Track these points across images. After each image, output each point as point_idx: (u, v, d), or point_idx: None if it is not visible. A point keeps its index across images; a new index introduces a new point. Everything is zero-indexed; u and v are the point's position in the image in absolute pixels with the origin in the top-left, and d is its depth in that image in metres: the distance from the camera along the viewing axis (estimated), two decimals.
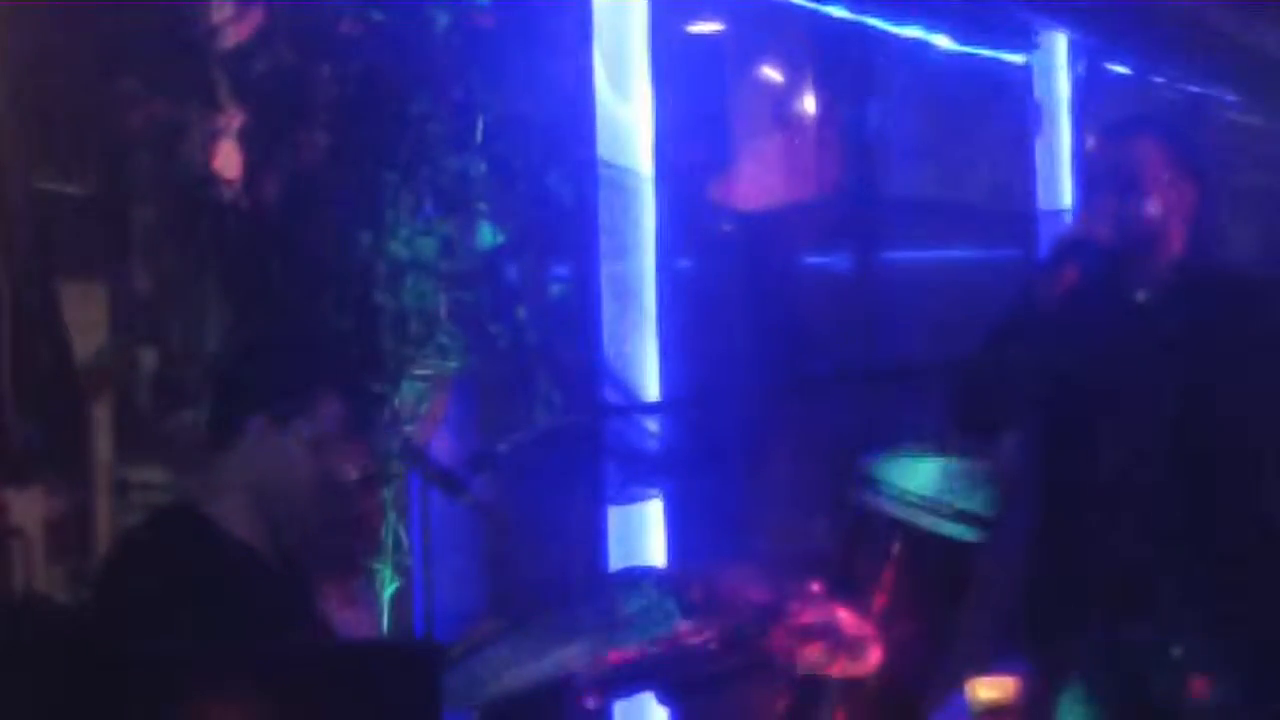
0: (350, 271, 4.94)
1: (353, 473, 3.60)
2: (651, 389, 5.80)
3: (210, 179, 4.87)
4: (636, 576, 4.11)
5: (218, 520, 3.52)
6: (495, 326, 5.22)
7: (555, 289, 5.43)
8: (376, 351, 4.97)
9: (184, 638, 3.29)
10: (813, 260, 8.04)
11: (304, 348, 3.88)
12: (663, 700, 3.75)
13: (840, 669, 3.54)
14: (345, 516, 4.11)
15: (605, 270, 5.69)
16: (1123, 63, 9.35)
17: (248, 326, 4.74)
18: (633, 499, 5.68)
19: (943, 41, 7.94)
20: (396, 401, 5.02)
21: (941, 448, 3.85)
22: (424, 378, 5.09)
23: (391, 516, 5.02)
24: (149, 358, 4.77)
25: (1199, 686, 4.10)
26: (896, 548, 3.75)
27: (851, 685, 3.59)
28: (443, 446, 5.11)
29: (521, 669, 3.44)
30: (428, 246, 5.05)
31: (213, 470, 3.56)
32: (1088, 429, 4.21)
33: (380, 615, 4.98)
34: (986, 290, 7.58)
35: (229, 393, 3.61)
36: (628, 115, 5.76)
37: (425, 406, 5.09)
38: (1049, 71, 8.74)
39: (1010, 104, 8.64)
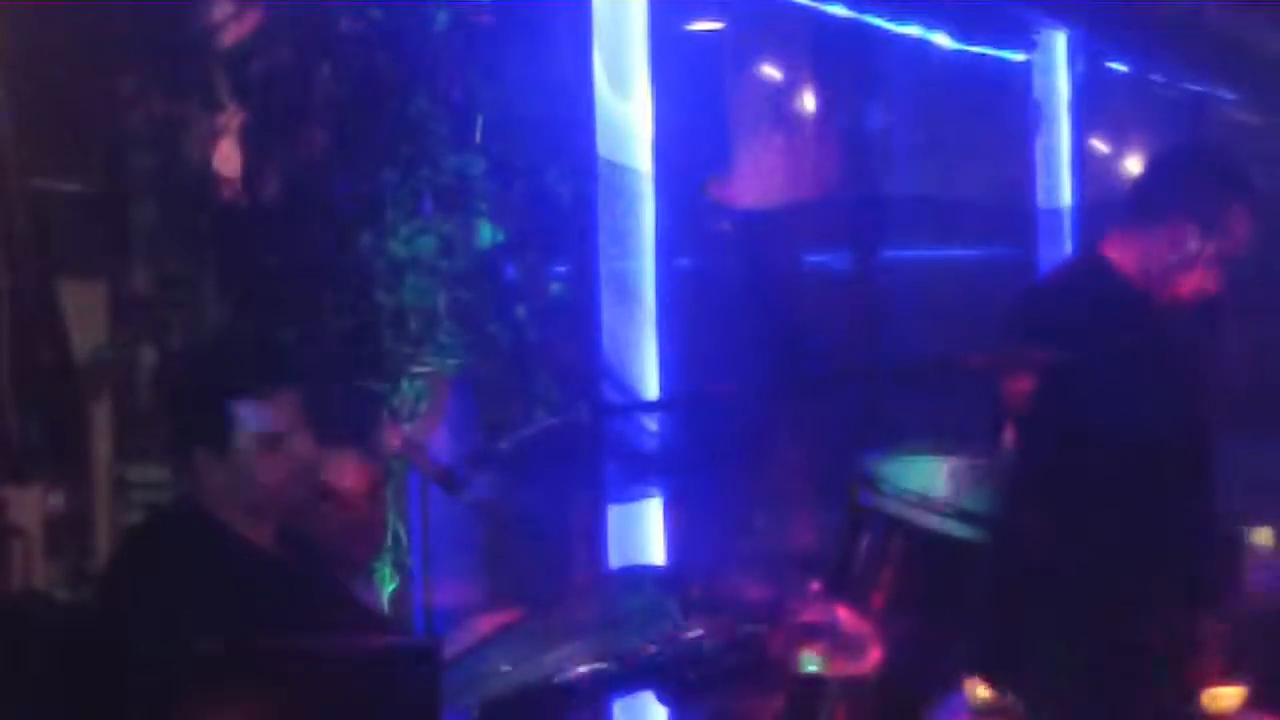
0: (350, 270, 4.94)
1: (338, 462, 3.59)
2: (651, 388, 5.80)
3: (210, 177, 4.87)
4: (636, 576, 4.12)
5: (220, 518, 3.52)
6: (495, 325, 5.22)
7: (555, 287, 5.43)
8: (376, 350, 4.98)
9: (186, 635, 3.29)
10: (812, 259, 8.05)
11: (256, 351, 3.88)
12: (663, 700, 3.75)
13: (840, 669, 3.54)
14: (343, 507, 4.11)
15: (605, 269, 5.69)
16: (1122, 61, 9.35)
17: (243, 325, 4.74)
18: (633, 498, 5.69)
19: (942, 40, 7.94)
20: (396, 400, 5.02)
21: (941, 447, 3.85)
22: (424, 376, 5.09)
23: (391, 515, 5.02)
24: (149, 357, 4.77)
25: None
26: (896, 547, 3.75)
27: (851, 685, 3.59)
28: (442, 445, 5.11)
29: (521, 668, 3.44)
30: (427, 245, 5.05)
31: (205, 473, 3.56)
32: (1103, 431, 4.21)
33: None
34: (986, 289, 7.59)
35: (193, 410, 3.61)
36: (627, 114, 5.77)
37: (425, 405, 5.09)
38: (1048, 70, 8.74)
39: (1009, 102, 8.65)
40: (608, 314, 5.67)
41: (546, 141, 5.33)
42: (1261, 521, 6.66)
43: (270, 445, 3.50)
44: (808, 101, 7.85)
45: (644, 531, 5.74)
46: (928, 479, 3.73)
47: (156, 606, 3.35)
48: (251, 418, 3.50)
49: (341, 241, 4.93)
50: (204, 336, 4.77)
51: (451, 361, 5.13)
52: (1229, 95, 10.18)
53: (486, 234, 5.25)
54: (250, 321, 4.77)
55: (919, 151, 8.39)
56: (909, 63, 7.99)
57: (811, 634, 3.50)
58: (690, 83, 6.66)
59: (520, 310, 5.26)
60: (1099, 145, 9.39)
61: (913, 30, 7.79)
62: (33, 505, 4.55)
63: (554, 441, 4.88)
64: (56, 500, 4.62)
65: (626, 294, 5.75)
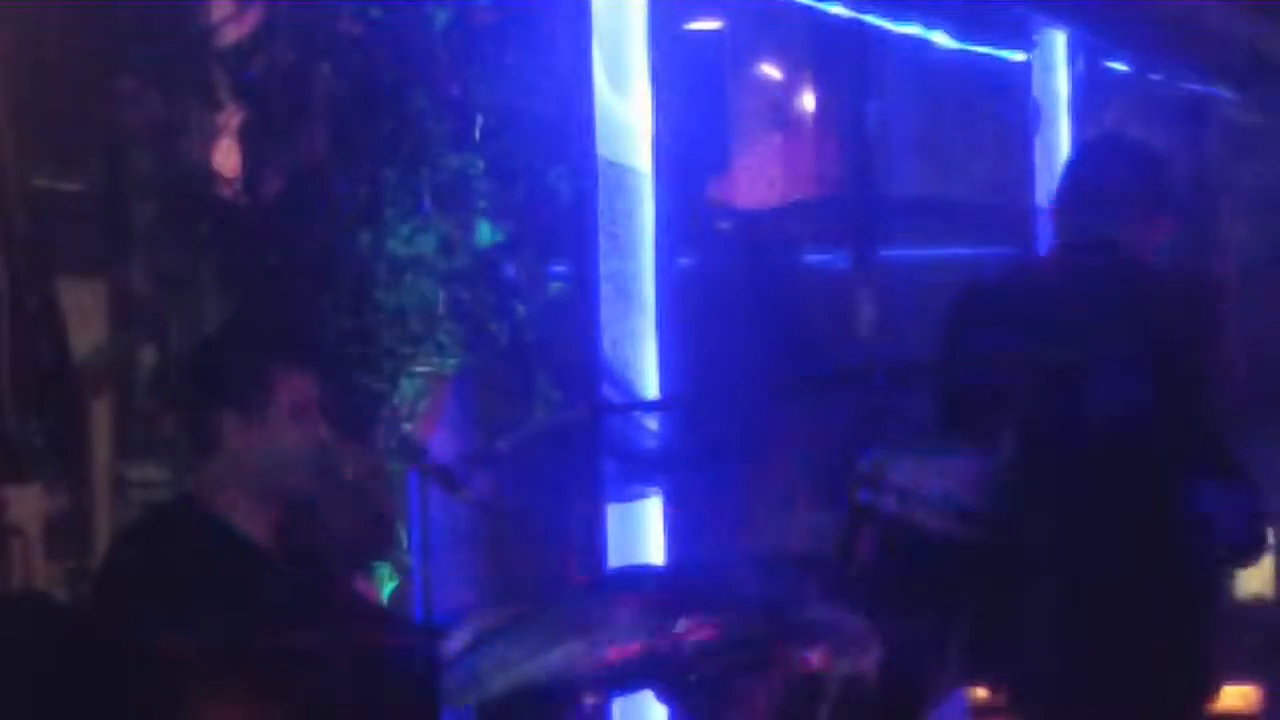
0: (349, 269, 4.94)
1: (336, 450, 3.59)
2: (651, 387, 5.79)
3: (209, 177, 4.87)
4: (636, 576, 4.12)
5: (219, 514, 3.52)
6: (494, 324, 5.21)
7: (554, 287, 5.43)
8: (375, 349, 4.98)
9: (185, 632, 3.29)
10: (812, 258, 8.05)
11: (253, 336, 3.89)
12: (663, 700, 3.75)
13: (840, 669, 3.54)
14: (344, 499, 4.11)
15: (604, 268, 5.69)
16: (1121, 60, 9.35)
17: (241, 323, 4.74)
18: (633, 497, 5.69)
19: (941, 39, 7.94)
20: (395, 399, 5.02)
21: (941, 446, 3.85)
22: (423, 375, 5.09)
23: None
24: (149, 356, 4.77)
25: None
26: (896, 547, 3.75)
27: (851, 685, 3.59)
28: (442, 444, 5.11)
29: (520, 667, 3.44)
30: (427, 244, 5.04)
31: (206, 467, 3.56)
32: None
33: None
34: None
35: (193, 395, 3.63)
36: (627, 113, 5.76)
37: (424, 404, 5.09)
38: (1048, 69, 8.74)
39: (1009, 101, 8.65)
40: (608, 314, 5.67)
41: (546, 141, 5.32)
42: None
43: (297, 415, 3.51)
44: (808, 101, 7.85)
45: (644, 531, 5.74)
46: (927, 478, 3.73)
47: (153, 603, 3.35)
48: (285, 383, 3.51)
49: (341, 240, 4.93)
50: (204, 332, 4.77)
51: (451, 361, 5.12)
52: (1229, 95, 10.18)
53: (486, 233, 5.24)
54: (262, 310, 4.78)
55: (918, 150, 8.39)
56: (909, 62, 7.99)
57: (811, 634, 3.50)
58: (690, 83, 6.66)
59: (520, 309, 5.26)
60: None
61: (912, 30, 7.79)
62: (33, 505, 4.55)
63: (554, 441, 4.88)
64: (56, 500, 4.62)
65: (626, 294, 5.75)
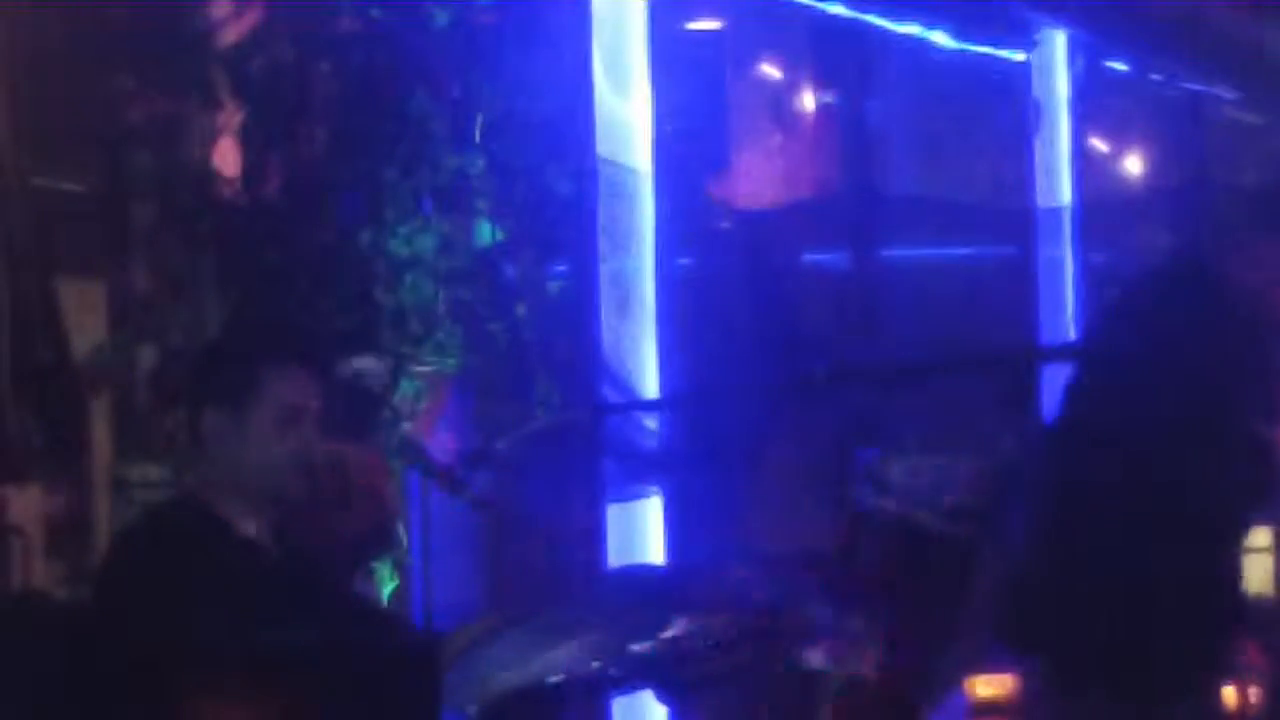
0: (350, 269, 4.94)
1: (324, 448, 3.58)
2: (650, 386, 5.80)
3: (209, 176, 4.87)
4: (635, 575, 4.13)
5: (219, 514, 3.52)
6: (494, 324, 5.22)
7: (554, 286, 5.43)
8: (375, 348, 4.98)
9: (183, 632, 3.29)
10: (811, 258, 8.05)
11: (249, 338, 3.88)
12: (662, 700, 3.75)
13: (840, 668, 3.54)
14: (344, 499, 4.12)
15: (604, 268, 5.69)
16: (1122, 61, 9.36)
17: (237, 325, 4.74)
18: (632, 497, 5.69)
19: (941, 39, 7.94)
20: (395, 399, 5.02)
21: (940, 447, 3.85)
22: (423, 375, 5.09)
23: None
24: (148, 356, 4.77)
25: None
26: (896, 547, 3.75)
27: (851, 685, 3.59)
28: (442, 444, 5.11)
29: (519, 667, 3.44)
30: (427, 244, 5.05)
31: (202, 466, 3.56)
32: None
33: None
34: (985, 288, 7.61)
35: (189, 396, 3.63)
36: (627, 113, 5.77)
37: (424, 404, 5.09)
38: (1047, 69, 8.75)
39: (1009, 102, 8.65)
40: (607, 313, 5.67)
41: (546, 141, 5.33)
42: (1260, 521, 6.65)
43: (288, 418, 3.50)
44: (807, 101, 7.85)
45: (643, 531, 5.74)
46: (927, 478, 3.73)
47: (153, 603, 3.35)
48: (274, 385, 3.49)
49: (341, 240, 4.93)
50: (204, 332, 4.77)
51: (451, 360, 5.13)
52: (1229, 95, 10.18)
53: (486, 233, 5.25)
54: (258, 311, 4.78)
55: (918, 151, 8.39)
56: (909, 62, 8.00)
57: (811, 633, 3.51)
58: (690, 83, 6.66)
59: (519, 309, 5.27)
60: (1098, 145, 9.41)
61: (912, 29, 7.80)
62: (33, 505, 4.55)
63: (553, 441, 4.89)
64: (56, 500, 4.62)
65: (626, 293, 5.75)
